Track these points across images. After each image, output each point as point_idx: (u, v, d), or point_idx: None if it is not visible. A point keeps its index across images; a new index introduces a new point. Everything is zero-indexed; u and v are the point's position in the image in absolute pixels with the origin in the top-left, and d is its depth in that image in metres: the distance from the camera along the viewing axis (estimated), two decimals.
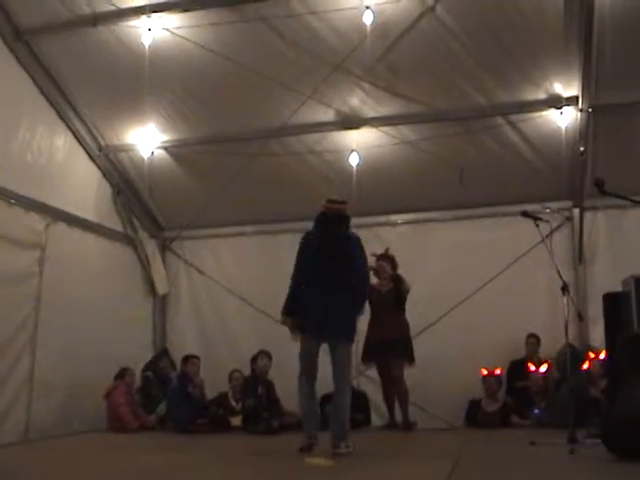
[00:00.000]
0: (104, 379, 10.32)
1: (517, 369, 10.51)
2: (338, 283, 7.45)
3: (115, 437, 9.67)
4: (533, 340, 10.56)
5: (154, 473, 6.32)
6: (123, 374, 10.47)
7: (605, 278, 10.05)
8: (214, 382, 10.88)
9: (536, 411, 9.77)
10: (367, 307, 8.68)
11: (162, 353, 11.63)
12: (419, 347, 9.85)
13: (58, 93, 10.14)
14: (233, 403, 10.42)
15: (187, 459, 7.37)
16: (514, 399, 10.25)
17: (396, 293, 9.80)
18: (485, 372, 10.28)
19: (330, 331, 7.40)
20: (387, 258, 9.96)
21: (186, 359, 10.66)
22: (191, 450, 8.32)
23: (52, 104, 10.13)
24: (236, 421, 10.12)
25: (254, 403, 9.93)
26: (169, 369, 11.24)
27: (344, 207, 7.77)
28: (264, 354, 10.32)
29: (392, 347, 9.57)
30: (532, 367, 10.21)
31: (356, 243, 7.68)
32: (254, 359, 10.35)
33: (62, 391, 9.73)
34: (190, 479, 6.02)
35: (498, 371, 10.28)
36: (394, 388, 9.79)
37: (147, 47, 9.12)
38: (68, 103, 10.34)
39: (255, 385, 10.05)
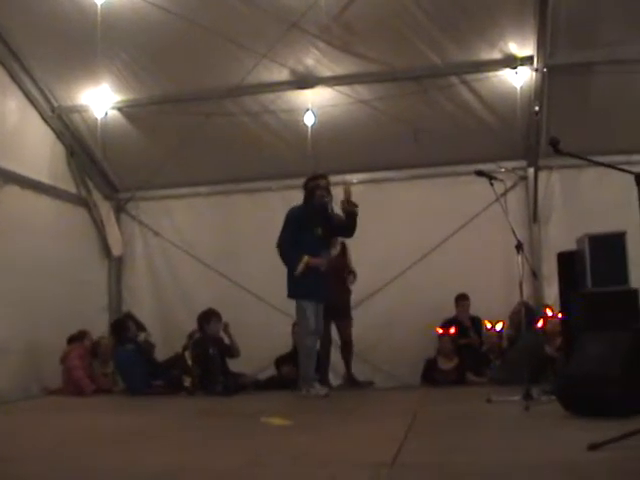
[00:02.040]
0: (60, 342, 10.25)
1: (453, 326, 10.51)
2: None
3: (72, 401, 9.62)
4: (463, 302, 10.64)
5: (113, 435, 6.31)
6: (82, 336, 10.39)
7: (560, 237, 10.17)
8: (170, 343, 10.81)
9: (492, 368, 9.89)
10: None
11: (126, 316, 11.21)
12: (375, 307, 9.94)
13: (9, 54, 9.95)
14: (190, 362, 10.35)
15: (145, 420, 7.37)
16: (459, 356, 10.31)
17: (343, 260, 9.97)
18: (440, 331, 10.36)
19: None
20: None
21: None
22: (149, 412, 8.30)
23: (3, 65, 9.96)
24: (187, 382, 10.03)
25: (200, 370, 9.85)
26: (135, 332, 10.62)
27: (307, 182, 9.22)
28: (217, 317, 10.12)
29: (340, 310, 9.77)
30: (488, 325, 10.32)
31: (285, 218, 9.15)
32: (205, 320, 10.11)
33: (18, 355, 9.65)
34: (148, 439, 6.03)
35: (452, 330, 10.36)
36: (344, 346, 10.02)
37: (99, 6, 8.90)
38: (20, 64, 10.14)
39: (206, 347, 9.89)
